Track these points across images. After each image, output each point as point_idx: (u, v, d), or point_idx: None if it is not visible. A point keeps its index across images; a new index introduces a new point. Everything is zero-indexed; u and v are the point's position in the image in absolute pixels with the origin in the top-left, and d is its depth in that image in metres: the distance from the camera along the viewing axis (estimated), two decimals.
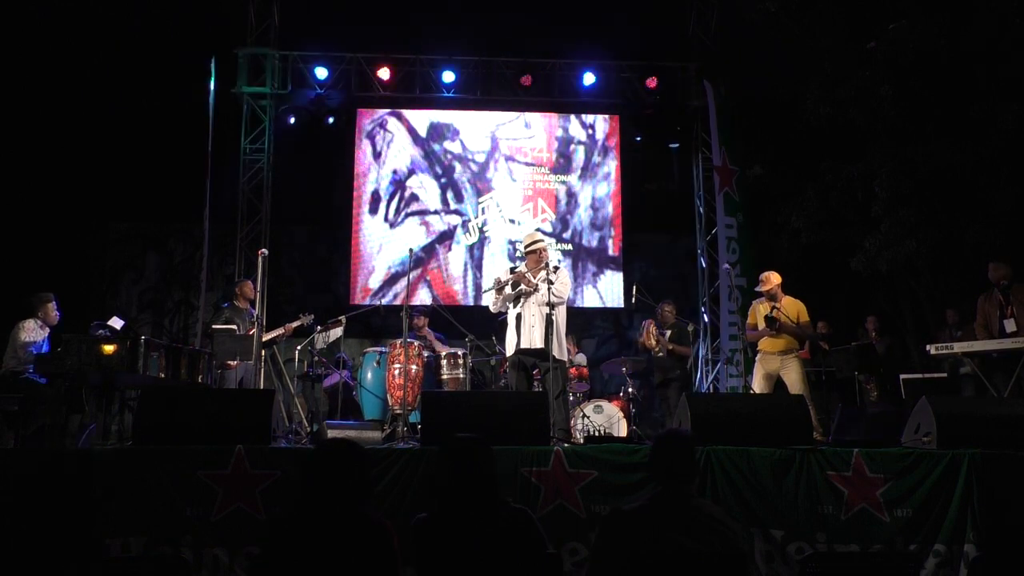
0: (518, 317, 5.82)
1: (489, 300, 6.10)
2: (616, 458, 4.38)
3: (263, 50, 10.41)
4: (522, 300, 5.83)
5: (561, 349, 5.85)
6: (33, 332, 6.13)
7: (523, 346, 5.77)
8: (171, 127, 10.12)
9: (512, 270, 6.06)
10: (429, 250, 10.46)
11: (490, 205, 10.84)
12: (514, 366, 5.88)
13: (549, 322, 5.62)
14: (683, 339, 7.93)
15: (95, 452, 4.25)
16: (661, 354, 7.95)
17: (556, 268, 5.97)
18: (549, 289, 5.63)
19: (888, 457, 4.42)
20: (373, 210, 10.70)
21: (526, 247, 6.09)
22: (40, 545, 3.90)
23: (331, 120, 10.81)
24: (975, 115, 8.22)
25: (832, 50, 9.13)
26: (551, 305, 5.63)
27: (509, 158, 10.93)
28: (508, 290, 5.87)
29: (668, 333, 7.96)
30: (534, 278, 5.81)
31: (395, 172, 10.81)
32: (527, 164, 10.94)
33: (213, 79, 9.06)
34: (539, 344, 5.67)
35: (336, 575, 2.42)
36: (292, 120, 10.50)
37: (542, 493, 4.23)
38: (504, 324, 6.14)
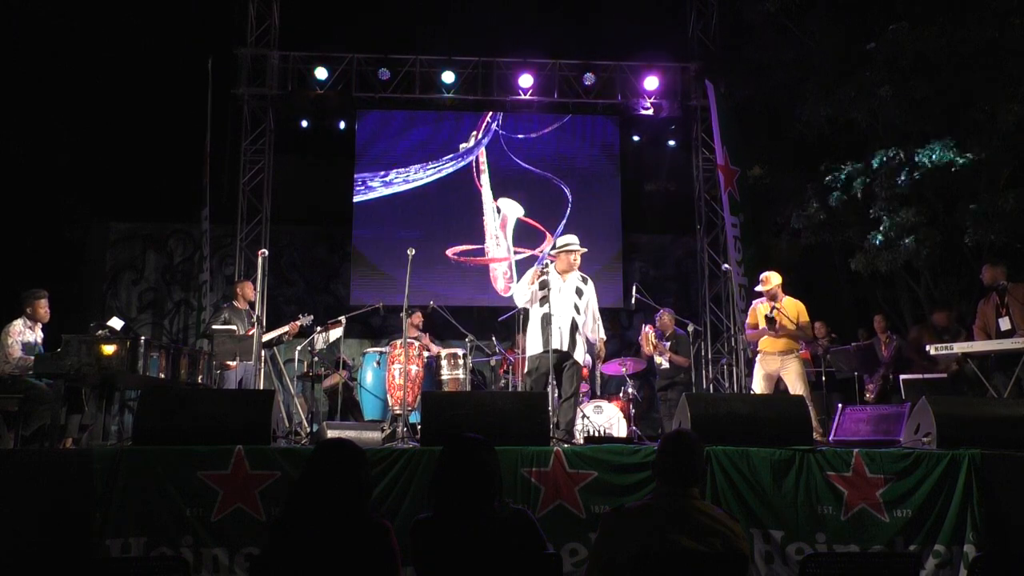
0: (544, 318, 5.70)
1: (520, 293, 5.91)
2: (616, 458, 4.38)
3: (263, 51, 10.43)
4: (548, 301, 5.70)
5: (582, 353, 5.84)
6: (21, 334, 6.02)
7: (553, 347, 5.62)
8: (172, 127, 10.15)
9: (543, 267, 5.87)
10: (429, 250, 10.45)
11: (490, 205, 10.84)
12: (532, 374, 5.75)
13: (575, 325, 5.67)
14: (682, 349, 8.03)
15: (95, 452, 4.24)
16: (665, 366, 8.03)
17: (586, 278, 5.94)
18: (569, 302, 5.69)
19: (888, 457, 4.41)
20: (373, 209, 10.71)
21: (561, 246, 5.95)
22: (40, 545, 3.90)
23: (331, 120, 10.87)
24: (975, 115, 8.22)
25: (832, 50, 9.12)
26: (577, 308, 5.71)
27: (509, 158, 10.93)
28: (536, 287, 5.76)
29: (668, 344, 8.05)
30: (563, 279, 5.79)
31: (396, 172, 10.82)
32: (527, 164, 10.94)
33: (211, 79, 9.07)
34: (565, 347, 5.65)
35: (337, 575, 2.43)
36: (298, 126, 10.60)
37: (542, 493, 4.22)
38: (506, 324, 6.12)
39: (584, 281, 5.87)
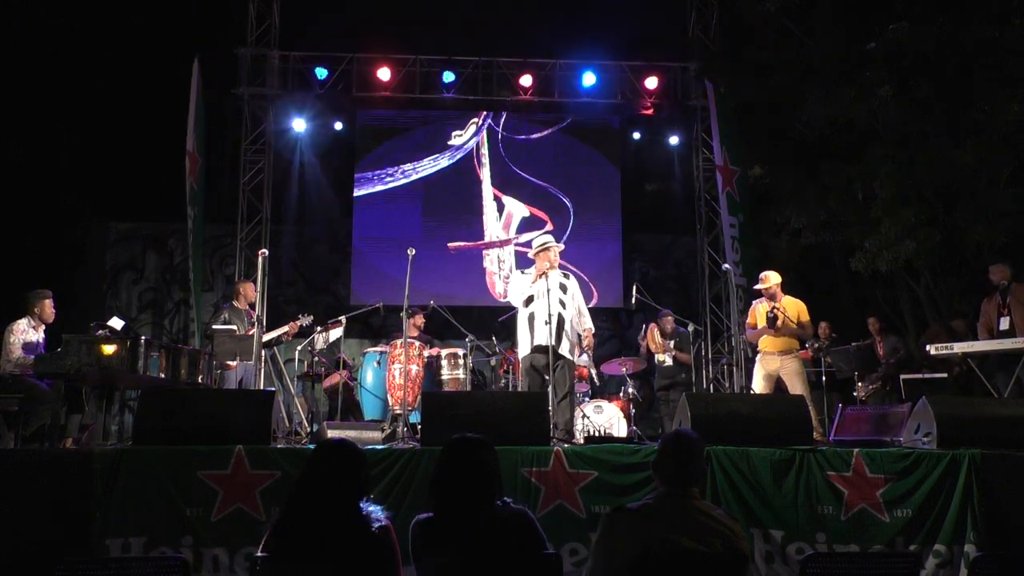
0: (530, 317, 5.79)
1: (516, 296, 6.01)
2: (616, 458, 4.38)
3: (263, 50, 10.42)
4: (534, 300, 5.77)
5: (572, 349, 5.84)
6: (24, 333, 6.01)
7: (536, 343, 5.71)
8: (172, 127, 10.13)
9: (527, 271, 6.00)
10: (429, 250, 10.44)
11: (490, 206, 10.84)
12: (527, 372, 5.84)
13: (561, 321, 5.68)
14: (684, 347, 8.09)
15: (95, 452, 4.24)
16: (668, 363, 8.05)
17: (567, 274, 6.01)
18: (554, 299, 5.68)
19: (888, 457, 4.42)
20: (373, 209, 10.71)
21: (538, 246, 6.01)
22: (40, 545, 3.89)
23: (331, 120, 10.88)
24: (975, 115, 8.22)
25: (832, 50, 9.11)
26: (563, 304, 5.73)
27: (510, 165, 10.93)
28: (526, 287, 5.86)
29: (672, 343, 8.09)
30: (546, 278, 5.79)
31: (395, 172, 10.82)
32: (527, 174, 10.94)
33: (194, 79, 9.05)
34: (552, 343, 5.66)
35: (337, 575, 2.43)
36: (298, 126, 10.63)
37: (542, 493, 4.23)
38: (506, 324, 6.12)
39: (567, 277, 5.97)
